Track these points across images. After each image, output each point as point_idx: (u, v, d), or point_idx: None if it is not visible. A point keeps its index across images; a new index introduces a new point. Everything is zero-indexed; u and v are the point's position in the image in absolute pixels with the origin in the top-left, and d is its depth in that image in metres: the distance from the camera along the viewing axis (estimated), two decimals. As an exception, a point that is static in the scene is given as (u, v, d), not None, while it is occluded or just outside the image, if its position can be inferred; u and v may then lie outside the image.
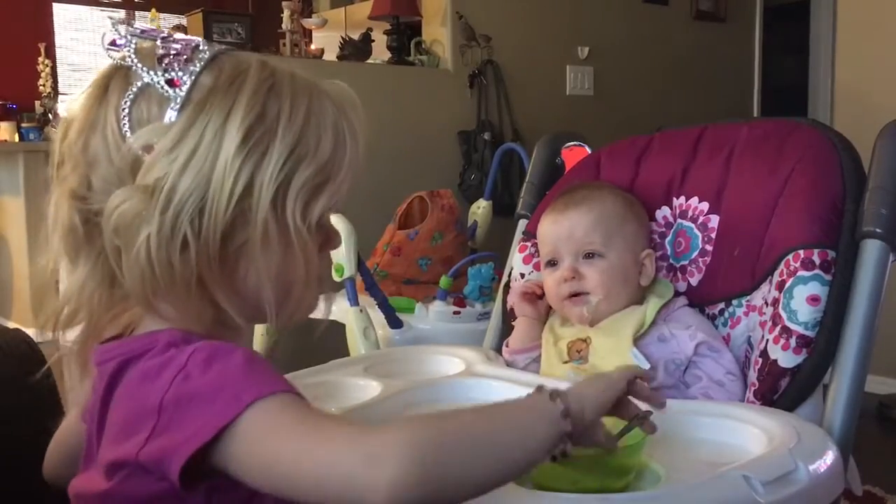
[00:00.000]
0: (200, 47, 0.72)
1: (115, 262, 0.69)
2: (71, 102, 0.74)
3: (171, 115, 0.69)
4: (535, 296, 1.32)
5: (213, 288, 0.70)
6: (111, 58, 0.72)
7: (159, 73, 0.70)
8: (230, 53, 0.74)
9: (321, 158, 0.72)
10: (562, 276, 1.23)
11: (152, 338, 0.70)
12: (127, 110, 0.70)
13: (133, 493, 0.68)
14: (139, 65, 0.71)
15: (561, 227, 1.25)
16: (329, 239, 0.78)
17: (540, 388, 0.72)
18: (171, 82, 0.70)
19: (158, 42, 0.72)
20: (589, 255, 1.23)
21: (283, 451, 0.63)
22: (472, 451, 0.64)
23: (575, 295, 1.22)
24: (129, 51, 0.72)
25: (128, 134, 0.70)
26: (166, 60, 0.71)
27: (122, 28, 0.73)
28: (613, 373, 0.81)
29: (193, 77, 0.70)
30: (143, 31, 0.73)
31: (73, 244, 0.72)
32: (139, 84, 0.70)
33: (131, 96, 0.70)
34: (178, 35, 0.74)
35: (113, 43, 0.72)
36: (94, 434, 0.73)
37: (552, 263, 1.26)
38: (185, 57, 0.71)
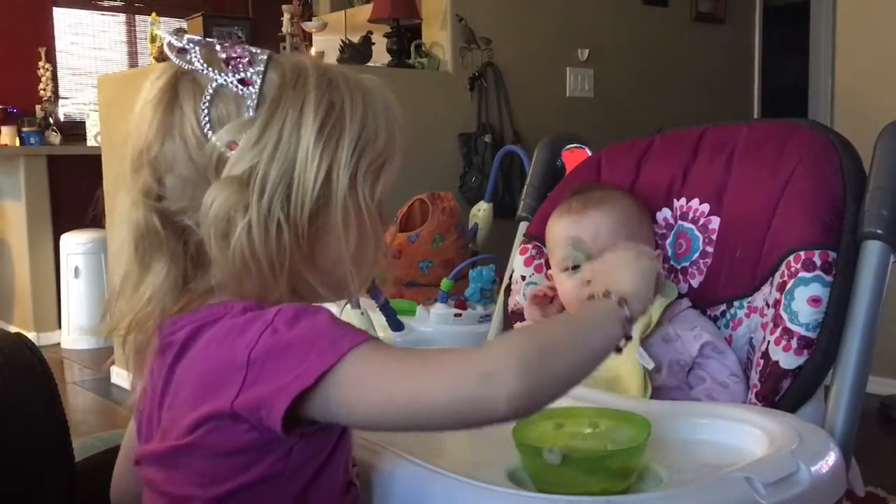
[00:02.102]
0: (254, 50, 0.77)
1: (213, 253, 0.73)
2: (137, 111, 0.77)
3: (249, 111, 0.74)
4: (546, 299, 1.29)
5: (301, 267, 0.75)
6: (179, 63, 0.76)
7: (230, 75, 0.74)
8: (279, 54, 0.79)
9: (380, 144, 0.78)
10: (586, 280, 1.18)
11: (226, 305, 0.73)
12: (206, 111, 0.74)
13: (218, 444, 0.70)
14: (210, 68, 0.75)
15: (583, 228, 1.22)
16: (385, 218, 0.83)
17: (607, 294, 0.80)
18: (243, 81, 0.75)
19: (218, 48, 0.76)
20: None
21: (397, 388, 0.67)
22: (567, 354, 0.72)
23: None
24: (195, 56, 0.75)
25: (210, 134, 0.73)
26: (232, 63, 0.75)
27: (184, 36, 0.76)
28: (646, 261, 0.89)
29: (261, 76, 0.75)
30: (198, 40, 0.77)
31: (150, 246, 0.75)
32: (213, 86, 0.74)
33: (208, 98, 0.74)
34: (229, 42, 0.78)
35: (181, 50, 0.76)
36: (156, 407, 0.76)
37: (574, 266, 1.22)
38: (247, 59, 0.76)
